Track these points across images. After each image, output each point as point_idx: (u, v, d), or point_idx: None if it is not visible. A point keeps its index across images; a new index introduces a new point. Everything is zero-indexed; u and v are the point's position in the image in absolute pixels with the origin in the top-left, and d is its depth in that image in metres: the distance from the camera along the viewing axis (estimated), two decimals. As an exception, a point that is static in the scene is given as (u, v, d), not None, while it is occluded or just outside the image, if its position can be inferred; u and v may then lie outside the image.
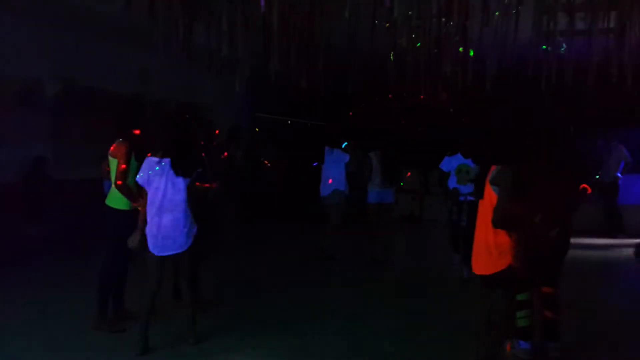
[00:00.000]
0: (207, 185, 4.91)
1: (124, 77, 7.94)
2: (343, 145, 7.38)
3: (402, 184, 7.84)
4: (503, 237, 3.37)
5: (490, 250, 3.42)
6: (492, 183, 3.41)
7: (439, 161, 6.60)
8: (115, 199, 4.51)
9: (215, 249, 5.46)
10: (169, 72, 7.94)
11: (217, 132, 6.24)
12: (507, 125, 3.73)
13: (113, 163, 4.46)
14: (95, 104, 7.66)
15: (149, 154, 4.17)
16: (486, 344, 3.49)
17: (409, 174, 7.69)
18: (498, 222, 3.33)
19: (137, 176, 4.11)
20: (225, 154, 6.76)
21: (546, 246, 3.92)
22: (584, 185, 4.34)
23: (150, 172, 4.08)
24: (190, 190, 4.17)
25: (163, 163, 4.09)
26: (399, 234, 9.37)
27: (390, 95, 9.72)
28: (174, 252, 4.13)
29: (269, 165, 10.69)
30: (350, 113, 11.99)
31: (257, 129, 11.87)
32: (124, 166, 4.38)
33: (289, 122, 12.75)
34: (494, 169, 3.47)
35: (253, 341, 4.45)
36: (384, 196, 7.33)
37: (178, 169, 4.09)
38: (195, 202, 4.27)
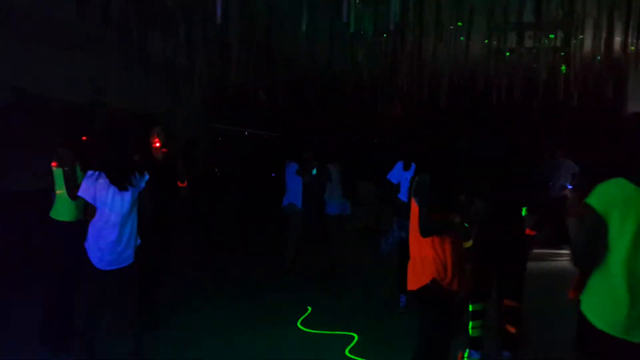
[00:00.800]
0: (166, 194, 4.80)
1: (76, 86, 7.73)
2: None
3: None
4: (427, 251, 3.25)
5: (416, 264, 3.33)
6: (412, 194, 3.34)
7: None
8: (61, 211, 4.37)
9: (168, 262, 5.36)
10: (124, 82, 7.78)
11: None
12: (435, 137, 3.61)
13: (57, 174, 4.34)
14: (44, 113, 7.42)
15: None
16: None
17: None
18: (422, 231, 3.24)
19: (84, 194, 3.93)
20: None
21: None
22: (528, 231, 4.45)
23: (94, 187, 3.92)
24: (143, 201, 4.08)
25: (100, 177, 3.93)
26: (357, 246, 9.46)
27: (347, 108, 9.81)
28: (119, 267, 4.01)
29: (219, 173, 10.56)
30: (308, 125, 12.04)
31: (220, 139, 11.79)
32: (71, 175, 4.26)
33: (246, 133, 12.72)
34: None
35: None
36: (343, 208, 7.43)
37: (115, 181, 3.94)
38: (151, 214, 4.19)
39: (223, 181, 10.77)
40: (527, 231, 4.46)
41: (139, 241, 4.13)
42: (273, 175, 9.25)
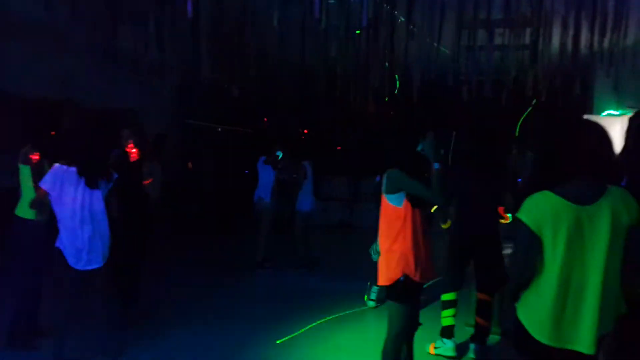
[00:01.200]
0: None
1: (43, 82, 7.55)
2: (278, 154, 7.35)
3: None
4: (397, 246, 3.29)
5: (387, 259, 3.34)
6: (387, 190, 3.36)
7: (368, 169, 6.47)
8: (26, 209, 4.27)
9: (142, 258, 5.32)
10: (93, 77, 7.63)
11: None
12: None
13: (24, 170, 4.24)
14: (11, 110, 7.23)
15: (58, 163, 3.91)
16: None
17: None
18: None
19: (45, 185, 3.81)
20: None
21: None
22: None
23: (61, 181, 3.82)
24: (111, 200, 4.02)
25: (70, 173, 3.83)
26: (330, 241, 9.51)
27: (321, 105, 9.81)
28: (97, 266, 3.94)
29: (191, 167, 10.44)
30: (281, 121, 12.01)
31: (192, 135, 11.66)
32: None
33: (220, 129, 12.60)
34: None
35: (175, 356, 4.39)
36: (315, 205, 7.50)
37: (86, 178, 3.86)
38: (119, 213, 4.14)
39: (196, 177, 10.67)
40: (501, 210, 4.56)
41: (109, 240, 4.07)
42: (246, 172, 9.19)
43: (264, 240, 7.34)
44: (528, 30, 5.18)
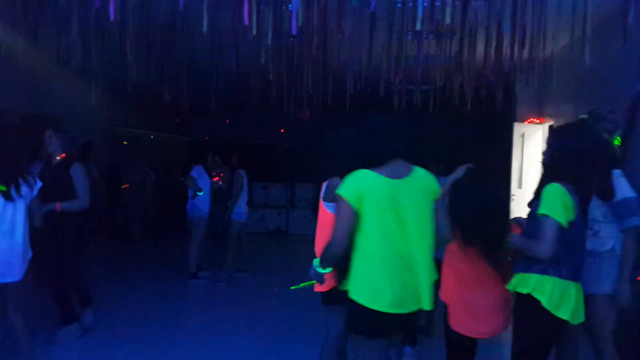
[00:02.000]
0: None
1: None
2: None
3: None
4: None
5: None
6: (325, 200, 3.37)
7: (304, 176, 6.51)
8: None
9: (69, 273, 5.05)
10: (12, 80, 7.23)
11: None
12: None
13: None
14: None
15: None
16: None
17: None
18: None
19: None
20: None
21: None
22: None
23: None
24: (33, 210, 3.80)
25: None
26: (268, 248, 9.47)
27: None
28: (11, 280, 3.67)
29: (127, 186, 10.09)
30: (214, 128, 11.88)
31: (125, 142, 11.31)
32: None
33: (152, 137, 12.32)
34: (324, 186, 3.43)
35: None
36: (248, 213, 7.46)
37: (4, 195, 3.59)
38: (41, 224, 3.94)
39: (130, 188, 10.31)
40: None
41: (29, 254, 3.84)
42: (182, 179, 9.03)
43: (197, 250, 7.20)
44: (454, 41, 5.37)
